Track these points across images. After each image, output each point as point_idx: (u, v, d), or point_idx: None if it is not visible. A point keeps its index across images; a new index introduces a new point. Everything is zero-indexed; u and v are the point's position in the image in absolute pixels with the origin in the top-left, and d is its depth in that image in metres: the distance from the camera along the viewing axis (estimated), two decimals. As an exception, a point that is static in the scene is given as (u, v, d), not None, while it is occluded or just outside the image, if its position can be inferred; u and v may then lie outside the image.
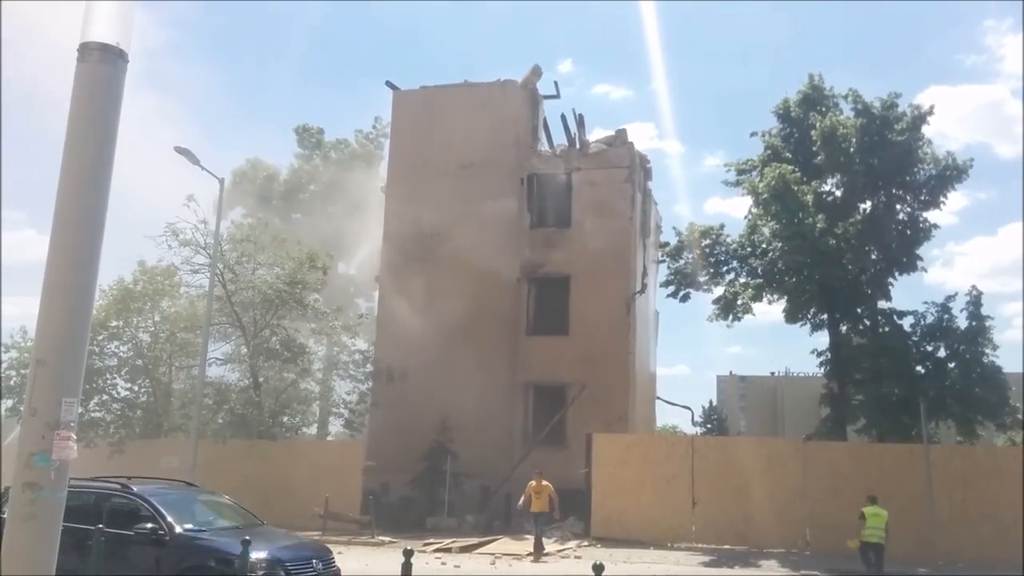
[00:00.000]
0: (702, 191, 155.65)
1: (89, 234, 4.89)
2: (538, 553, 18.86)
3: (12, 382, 27.29)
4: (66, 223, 4.88)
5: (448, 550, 19.16)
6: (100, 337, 27.66)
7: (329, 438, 35.49)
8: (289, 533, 13.55)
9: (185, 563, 10.77)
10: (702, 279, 26.67)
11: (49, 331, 4.77)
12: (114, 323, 28.48)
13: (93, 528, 10.52)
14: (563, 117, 30.21)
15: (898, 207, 24.77)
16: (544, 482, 19.79)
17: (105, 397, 28.88)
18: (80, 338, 4.86)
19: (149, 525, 10.97)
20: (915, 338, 24.58)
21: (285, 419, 29.57)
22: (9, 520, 4.60)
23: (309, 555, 11.46)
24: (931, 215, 24.80)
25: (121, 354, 29.24)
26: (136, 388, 30.02)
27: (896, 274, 25.11)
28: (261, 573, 10.43)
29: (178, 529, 11.07)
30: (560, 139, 30.79)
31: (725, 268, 26.60)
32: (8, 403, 27.74)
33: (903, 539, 19.22)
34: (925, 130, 24.09)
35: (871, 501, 17.00)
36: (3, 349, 28.10)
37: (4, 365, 27.89)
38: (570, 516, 23.28)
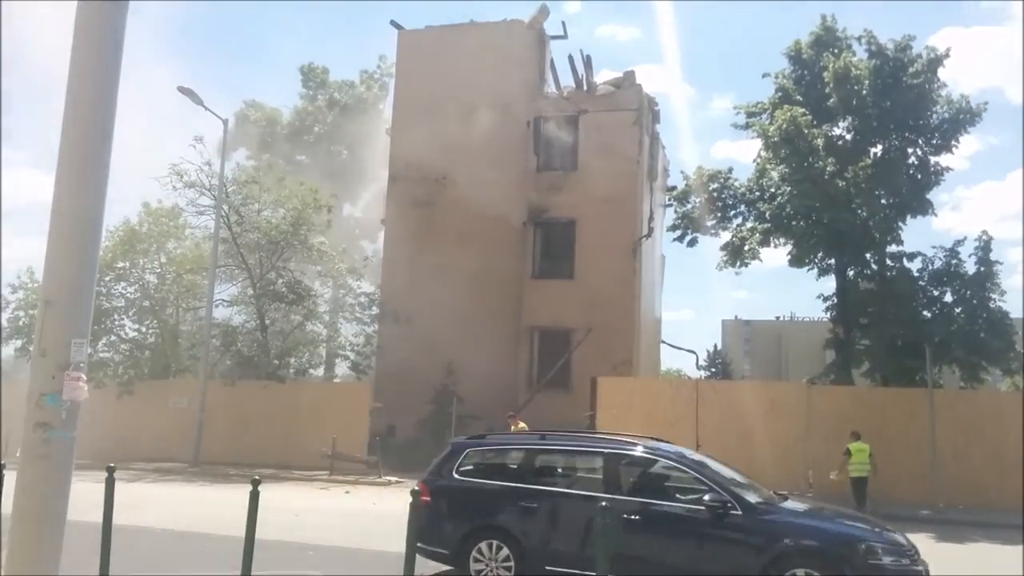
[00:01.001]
0: (710, 134, 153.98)
1: (94, 175, 4.85)
2: None
3: (20, 323, 27.47)
4: (71, 164, 4.83)
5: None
6: (107, 278, 27.76)
7: (336, 380, 35.79)
8: (817, 503, 10.94)
9: (777, 548, 7.91)
10: (709, 223, 26.52)
11: (57, 271, 4.76)
12: (121, 264, 28.57)
13: (610, 499, 7.63)
14: (570, 58, 29.80)
15: (910, 151, 24.50)
16: (521, 424, 19.71)
17: (113, 338, 29.12)
18: (88, 278, 4.85)
19: (708, 497, 8.21)
20: (922, 283, 24.52)
21: (292, 361, 29.79)
22: (22, 460, 4.64)
23: (891, 536, 8.48)
24: (943, 159, 24.56)
25: (128, 295, 29.40)
26: (144, 329, 30.26)
27: (906, 218, 24.94)
28: (889, 560, 7.83)
29: (752, 499, 8.44)
30: (567, 81, 30.41)
31: (733, 212, 26.46)
32: (17, 344, 27.94)
33: (905, 482, 19.50)
34: (940, 73, 23.75)
35: (855, 437, 17.79)
36: (10, 290, 28.25)
37: (12, 306, 28.06)
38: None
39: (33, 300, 25.98)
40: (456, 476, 9.49)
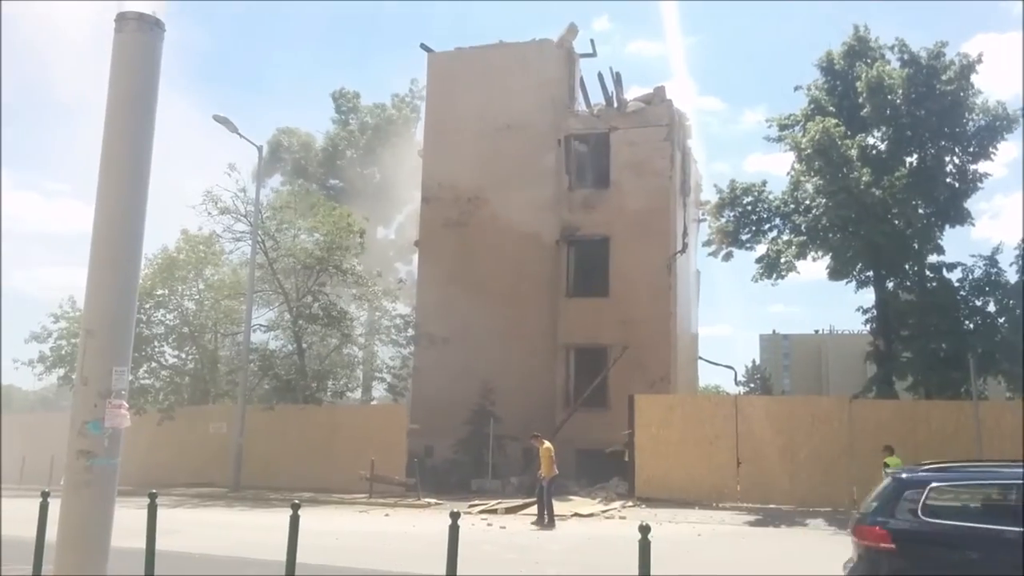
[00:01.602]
0: (743, 148, 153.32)
1: (133, 204, 4.90)
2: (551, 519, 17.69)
3: (63, 352, 27.90)
4: (110, 195, 4.89)
5: (493, 511, 19.34)
6: (147, 305, 28.13)
7: (373, 402, 35.89)
8: None
9: None
10: (744, 237, 26.31)
11: (98, 301, 4.80)
12: (160, 292, 28.95)
13: None
14: (600, 76, 29.83)
15: (946, 159, 24.17)
16: (546, 443, 18.82)
17: (154, 364, 29.47)
18: (128, 307, 4.89)
19: None
20: (963, 293, 24.13)
21: (329, 384, 29.95)
22: (66, 488, 4.68)
23: None
24: (980, 167, 24.21)
25: (168, 322, 29.76)
26: (183, 355, 30.62)
27: (944, 227, 24.58)
28: None
29: None
30: (597, 98, 30.44)
31: (768, 226, 26.23)
32: (60, 372, 28.38)
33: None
34: (974, 79, 23.43)
35: (889, 452, 17.80)
36: (52, 319, 28.72)
37: (55, 335, 28.52)
38: (614, 477, 23.40)
39: (75, 329, 26.39)
40: (924, 518, 7.49)
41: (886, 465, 17.22)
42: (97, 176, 4.90)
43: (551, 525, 17.36)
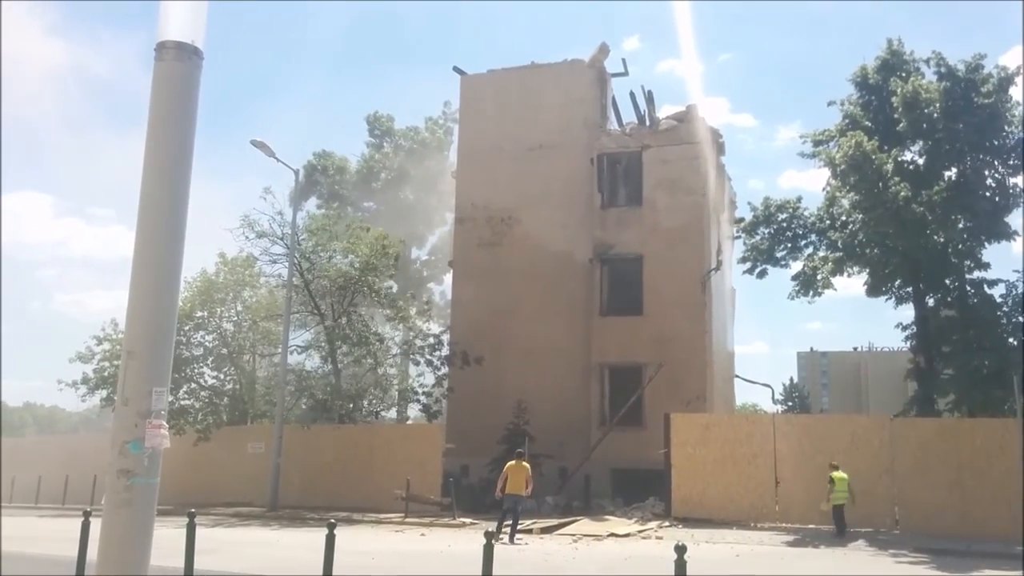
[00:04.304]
0: (777, 165, 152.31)
1: (172, 228, 5.01)
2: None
3: (106, 373, 28.37)
4: (150, 219, 5.01)
5: (529, 531, 19.25)
6: (187, 327, 28.55)
7: (408, 422, 36.02)
8: None
9: None
10: (779, 254, 26.09)
11: (138, 323, 4.91)
12: (199, 314, 29.39)
13: None
14: (632, 94, 29.90)
15: (986, 173, 23.80)
16: (524, 463, 18.80)
17: (193, 385, 29.87)
18: (168, 329, 4.99)
19: None
20: (1006, 309, 23.69)
21: (365, 403, 30.12)
22: (106, 507, 4.77)
23: None
24: (1021, 180, 23.78)
25: (207, 344, 30.18)
26: (222, 376, 31.00)
27: (984, 243, 24.18)
28: None
29: None
30: (629, 117, 30.46)
31: (803, 242, 26.00)
32: (103, 393, 28.85)
33: (997, 516, 18.69)
34: (1012, 92, 23.11)
35: (834, 468, 18.97)
36: (95, 341, 29.22)
37: (98, 357, 29.00)
38: (650, 497, 23.21)
39: (117, 351, 26.80)
40: None
41: (831, 481, 18.75)
42: (138, 202, 5.03)
43: (511, 541, 17.51)
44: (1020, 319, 23.55)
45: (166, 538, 7.73)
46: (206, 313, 29.73)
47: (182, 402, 28.75)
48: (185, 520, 10.88)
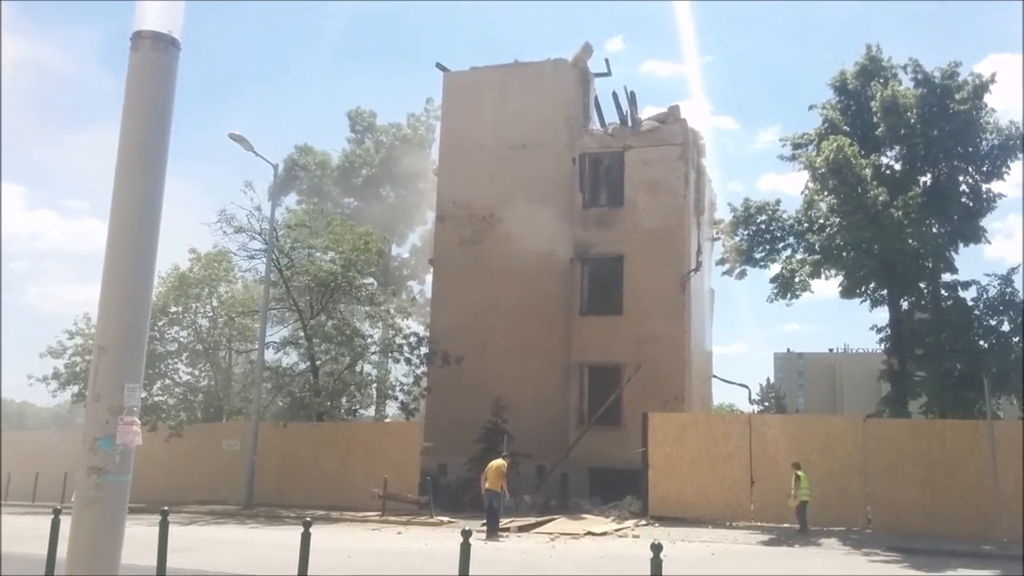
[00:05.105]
0: (757, 167, 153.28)
1: (146, 222, 4.94)
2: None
3: (77, 369, 28.06)
4: (124, 212, 4.93)
5: (506, 530, 19.25)
6: (160, 323, 28.29)
7: (386, 420, 35.89)
8: None
9: None
10: (758, 256, 26.23)
11: (110, 318, 4.83)
12: (173, 309, 29.11)
13: None
14: (615, 95, 29.92)
15: (960, 178, 24.09)
16: (501, 460, 19.70)
17: (167, 381, 29.57)
18: (140, 324, 4.92)
19: None
20: (978, 312, 24.01)
21: (343, 402, 30.00)
22: (76, 505, 4.69)
23: None
24: (994, 186, 24.12)
25: (181, 339, 29.87)
26: (197, 372, 30.72)
27: (958, 246, 24.46)
28: None
29: None
30: (612, 117, 30.50)
31: (782, 244, 26.16)
32: (74, 389, 28.52)
33: (967, 517, 18.91)
34: (987, 99, 23.40)
35: (797, 467, 19.46)
36: (67, 336, 28.87)
37: (70, 352, 28.66)
38: (627, 495, 23.27)
39: (89, 346, 26.50)
40: None
41: (797, 478, 19.27)
42: (111, 194, 4.94)
43: (496, 539, 17.95)
44: (991, 322, 23.84)
45: (138, 536, 7.65)
46: (181, 308, 29.45)
47: (155, 398, 28.46)
48: (158, 518, 10.76)
